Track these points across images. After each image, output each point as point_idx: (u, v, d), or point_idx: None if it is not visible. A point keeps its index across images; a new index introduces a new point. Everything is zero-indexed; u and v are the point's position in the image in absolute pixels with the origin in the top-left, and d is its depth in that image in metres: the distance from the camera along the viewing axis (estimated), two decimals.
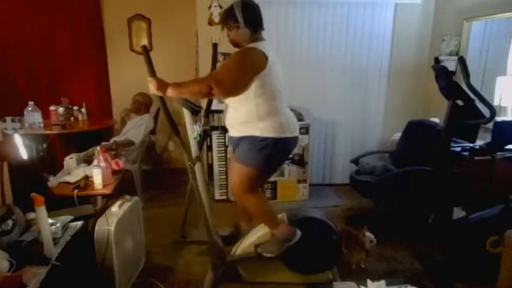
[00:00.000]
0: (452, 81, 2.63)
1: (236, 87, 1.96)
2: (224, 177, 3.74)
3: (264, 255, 2.21)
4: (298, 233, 2.22)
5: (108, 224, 2.05)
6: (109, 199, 2.62)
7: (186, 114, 2.13)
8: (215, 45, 2.36)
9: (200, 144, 2.23)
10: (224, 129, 3.47)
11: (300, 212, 2.52)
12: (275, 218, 2.24)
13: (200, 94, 1.95)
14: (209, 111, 2.72)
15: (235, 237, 2.46)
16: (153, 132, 4.10)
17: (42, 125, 3.79)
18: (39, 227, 1.74)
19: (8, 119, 3.51)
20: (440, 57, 3.52)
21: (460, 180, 2.72)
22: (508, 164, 2.62)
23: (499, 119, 2.71)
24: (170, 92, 1.89)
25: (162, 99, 2.02)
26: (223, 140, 3.64)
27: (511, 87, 2.78)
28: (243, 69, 1.95)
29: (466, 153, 2.74)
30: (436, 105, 3.54)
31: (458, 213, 2.76)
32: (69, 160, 2.90)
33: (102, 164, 2.63)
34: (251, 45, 2.00)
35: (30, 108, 3.73)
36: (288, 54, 3.83)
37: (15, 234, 1.81)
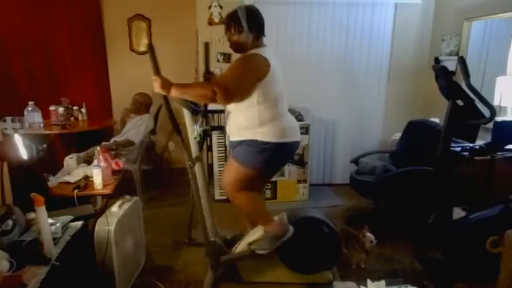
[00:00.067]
0: (452, 81, 2.62)
1: (240, 93, 1.97)
2: None
3: (256, 252, 2.20)
4: (291, 229, 2.21)
5: (108, 224, 2.05)
6: (109, 199, 2.62)
7: (186, 114, 2.14)
8: (207, 44, 2.35)
9: (200, 144, 2.23)
10: (224, 129, 3.47)
11: (300, 212, 2.52)
12: (267, 214, 2.24)
13: (205, 98, 1.93)
14: (206, 112, 2.72)
15: (238, 240, 2.45)
16: (153, 132, 4.09)
17: (42, 125, 3.80)
18: (39, 227, 1.74)
19: (8, 119, 3.49)
20: (440, 57, 3.53)
21: (460, 180, 2.72)
22: (508, 164, 2.62)
23: (499, 119, 2.71)
24: (174, 92, 1.89)
25: (165, 98, 2.02)
26: (223, 140, 3.64)
27: (511, 87, 2.79)
28: (247, 75, 1.96)
29: (466, 153, 2.74)
30: (436, 105, 3.54)
31: (458, 213, 2.76)
32: (69, 160, 2.91)
33: (102, 164, 2.63)
34: (253, 51, 2.01)
35: (30, 108, 3.74)
36: (288, 54, 3.83)
37: (15, 234, 1.81)
